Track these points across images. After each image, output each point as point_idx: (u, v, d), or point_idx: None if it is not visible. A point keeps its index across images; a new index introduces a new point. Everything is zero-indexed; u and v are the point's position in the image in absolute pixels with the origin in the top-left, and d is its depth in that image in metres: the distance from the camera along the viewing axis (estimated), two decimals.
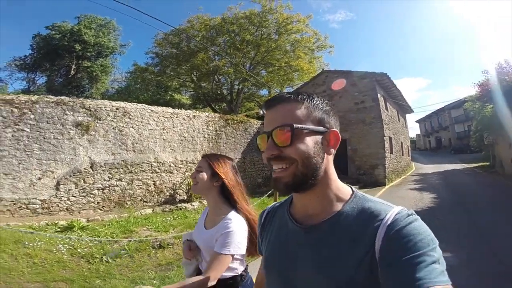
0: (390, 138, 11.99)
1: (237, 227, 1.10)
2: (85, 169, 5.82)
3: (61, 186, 5.56)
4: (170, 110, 7.62)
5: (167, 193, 7.08)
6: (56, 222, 4.78)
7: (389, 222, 0.52)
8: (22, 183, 5.24)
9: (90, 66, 22.00)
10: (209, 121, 8.54)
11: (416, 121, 41.88)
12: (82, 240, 3.95)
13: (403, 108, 16.99)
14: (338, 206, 0.60)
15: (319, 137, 0.59)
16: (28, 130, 5.33)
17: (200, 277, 1.05)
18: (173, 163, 7.25)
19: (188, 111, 8.52)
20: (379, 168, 10.87)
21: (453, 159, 20.50)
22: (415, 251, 0.47)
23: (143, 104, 7.17)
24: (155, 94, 21.44)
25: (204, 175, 1.20)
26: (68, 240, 3.95)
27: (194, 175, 1.21)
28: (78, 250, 3.68)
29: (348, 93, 11.85)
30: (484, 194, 7.60)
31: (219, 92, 17.99)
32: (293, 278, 0.62)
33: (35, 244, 3.69)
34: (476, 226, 4.67)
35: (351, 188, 0.64)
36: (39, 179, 5.39)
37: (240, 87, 17.43)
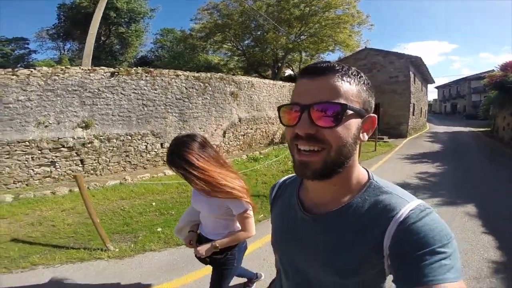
0: (413, 104, 15.85)
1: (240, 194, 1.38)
2: (236, 123, 9.97)
3: (226, 134, 9.74)
4: (272, 82, 11.58)
5: (270, 138, 11.43)
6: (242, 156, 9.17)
7: (401, 218, 0.50)
8: (207, 134, 8.97)
9: (124, 32, 23.02)
10: (290, 89, 12.53)
11: (436, 87, 44.15)
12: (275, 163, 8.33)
13: (427, 79, 20.33)
14: (350, 196, 0.58)
15: (359, 121, 0.54)
16: (208, 98, 9.21)
17: (244, 232, 1.45)
18: (274, 118, 11.45)
19: (279, 81, 12.43)
20: (403, 125, 15.02)
21: (463, 123, 24.14)
22: (424, 248, 0.46)
23: (259, 78, 11.08)
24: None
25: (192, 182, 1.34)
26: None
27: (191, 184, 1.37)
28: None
29: (386, 68, 15.39)
30: (476, 147, 11.70)
31: (266, 59, 21.19)
32: (299, 262, 0.64)
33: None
34: (462, 158, 8.87)
35: (368, 174, 0.62)
36: (215, 130, 8.90)
37: (284, 54, 20.55)
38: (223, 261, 1.49)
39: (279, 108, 0.57)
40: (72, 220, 4.16)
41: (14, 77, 5.42)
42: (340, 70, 0.53)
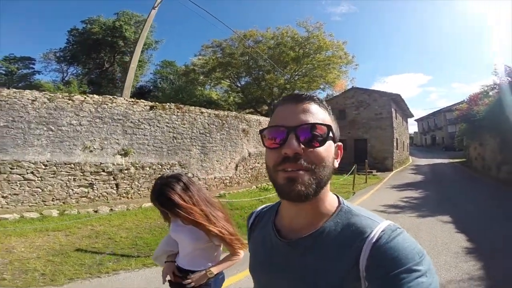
0: (396, 139, 17.75)
1: None
2: (246, 157, 10.99)
3: (238, 167, 10.76)
4: None
5: None
6: (244, 189, 10.27)
7: (374, 239, 0.52)
8: (223, 167, 9.69)
9: (129, 61, 24.41)
10: None
11: (415, 120, 47.69)
12: None
13: (407, 114, 22.72)
14: (323, 221, 0.59)
15: (334, 147, 0.59)
16: (225, 134, 10.12)
17: (236, 256, 1.51)
18: None
19: None
20: (389, 159, 16.68)
21: (442, 155, 26.42)
22: (400, 267, 0.47)
23: (262, 116, 12.52)
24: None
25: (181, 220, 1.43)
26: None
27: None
28: None
29: (371, 106, 17.46)
30: (454, 176, 13.39)
31: (264, 96, 23.13)
32: None
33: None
34: (442, 186, 10.36)
35: (338, 199, 0.64)
36: (229, 163, 9.89)
37: (280, 92, 22.63)
38: None
39: (261, 131, 0.59)
40: (125, 234, 4.99)
41: (70, 101, 6.47)
42: (317, 99, 0.59)
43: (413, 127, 50.53)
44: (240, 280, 3.13)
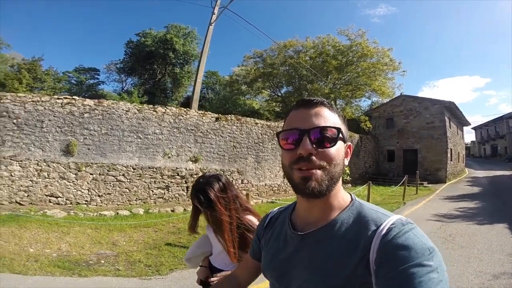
0: (451, 149, 16.89)
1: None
2: None
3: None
4: None
5: None
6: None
7: (383, 232, 0.54)
8: (272, 174, 10.24)
9: (179, 73, 25.77)
10: None
11: (472, 128, 43.67)
12: None
13: (462, 122, 21.34)
14: (336, 213, 0.64)
15: (344, 147, 0.65)
16: (275, 143, 10.40)
17: None
18: None
19: None
20: (442, 171, 15.96)
21: (505, 167, 23.82)
22: (410, 261, 0.48)
23: None
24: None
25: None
26: None
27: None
28: None
29: (421, 114, 16.93)
30: None
31: None
32: (287, 281, 0.67)
33: None
34: (498, 197, 9.78)
35: (351, 196, 0.68)
36: (278, 171, 10.32)
37: None
38: None
39: (277, 134, 0.65)
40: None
41: (154, 113, 7.79)
42: (328, 104, 0.65)
43: (469, 135, 46.29)
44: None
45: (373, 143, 17.88)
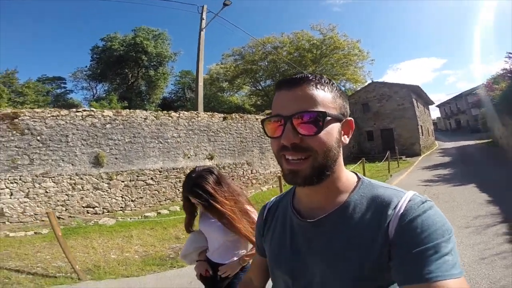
0: (421, 126, 19.20)
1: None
2: None
3: None
4: None
5: None
6: None
7: (402, 210, 0.52)
8: (275, 162, 11.21)
9: (154, 75, 25.51)
10: None
11: (437, 105, 47.97)
12: None
13: (428, 102, 24.05)
14: (345, 196, 0.60)
15: (339, 125, 0.58)
16: None
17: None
18: None
19: None
20: (416, 145, 18.24)
21: (469, 137, 27.00)
22: (428, 243, 0.47)
23: None
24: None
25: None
26: None
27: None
28: None
29: (392, 98, 19.08)
30: (479, 155, 14.72)
31: None
32: (302, 274, 0.62)
33: None
34: (467, 163, 11.86)
35: (356, 175, 0.65)
36: None
37: None
38: (229, 284, 1.53)
39: (262, 121, 0.59)
40: None
41: (170, 118, 8.60)
42: (314, 79, 0.57)
43: (435, 112, 50.78)
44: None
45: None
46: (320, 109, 0.55)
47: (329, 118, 0.55)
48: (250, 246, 1.59)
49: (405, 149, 18.19)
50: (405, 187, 7.19)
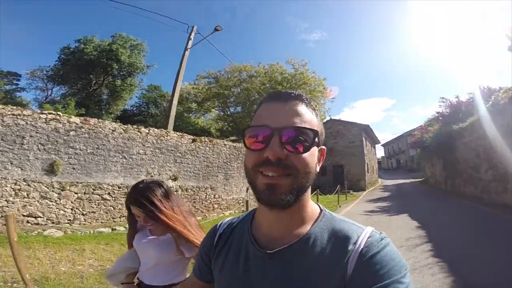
0: (367, 164, 21.53)
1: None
2: None
3: (248, 190, 12.47)
4: None
5: None
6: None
7: (362, 246, 0.52)
8: (238, 189, 11.75)
9: (120, 85, 24.61)
10: None
11: (382, 145, 53.50)
12: None
13: (375, 140, 27.11)
14: (307, 227, 0.58)
15: (317, 150, 0.57)
16: (240, 162, 12.48)
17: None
18: None
19: None
20: (362, 181, 20.25)
21: (406, 176, 30.85)
22: (388, 278, 0.47)
23: None
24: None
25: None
26: None
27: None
28: None
29: (345, 135, 21.30)
30: (413, 191, 17.01)
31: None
32: None
33: None
34: (402, 198, 13.64)
35: (319, 206, 0.63)
36: (242, 187, 11.67)
37: None
38: None
39: (244, 130, 0.55)
40: None
41: (139, 133, 8.54)
42: (306, 99, 0.57)
43: (380, 151, 56.55)
44: None
45: None
46: (314, 128, 0.55)
47: (316, 140, 0.54)
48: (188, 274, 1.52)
49: (352, 184, 20.03)
50: (352, 215, 8.54)
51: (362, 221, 8.02)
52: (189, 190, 9.71)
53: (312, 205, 0.61)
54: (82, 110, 19.34)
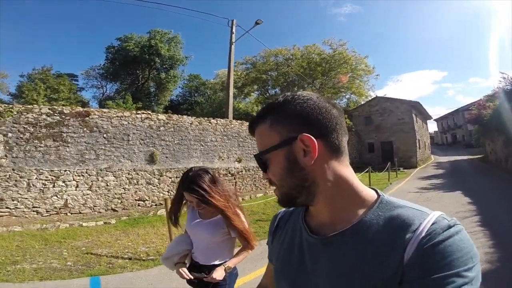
0: (418, 140, 21.22)
1: None
2: None
3: None
4: None
5: None
6: None
7: (423, 234, 0.48)
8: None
9: (164, 77, 26.85)
10: None
11: (435, 119, 50.16)
12: None
13: (426, 117, 26.16)
14: (360, 214, 0.57)
15: (285, 152, 0.57)
16: None
17: (248, 246, 1.67)
18: None
19: None
20: (413, 158, 20.19)
21: (463, 152, 28.86)
22: (447, 270, 0.44)
23: None
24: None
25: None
26: None
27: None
28: None
29: (394, 112, 21.08)
30: (470, 169, 16.68)
31: None
32: None
33: None
34: (458, 175, 13.72)
35: (376, 191, 0.61)
36: None
37: None
38: (215, 286, 1.58)
39: None
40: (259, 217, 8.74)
41: (209, 124, 10.32)
42: (259, 117, 0.61)
43: (433, 125, 52.97)
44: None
45: (356, 137, 21.70)
46: (260, 148, 0.61)
47: (266, 155, 0.58)
48: (236, 250, 1.73)
49: (403, 161, 20.11)
50: (403, 192, 10.61)
51: (413, 198, 8.78)
52: (251, 170, 11.37)
53: (364, 190, 0.59)
54: (139, 104, 21.77)
